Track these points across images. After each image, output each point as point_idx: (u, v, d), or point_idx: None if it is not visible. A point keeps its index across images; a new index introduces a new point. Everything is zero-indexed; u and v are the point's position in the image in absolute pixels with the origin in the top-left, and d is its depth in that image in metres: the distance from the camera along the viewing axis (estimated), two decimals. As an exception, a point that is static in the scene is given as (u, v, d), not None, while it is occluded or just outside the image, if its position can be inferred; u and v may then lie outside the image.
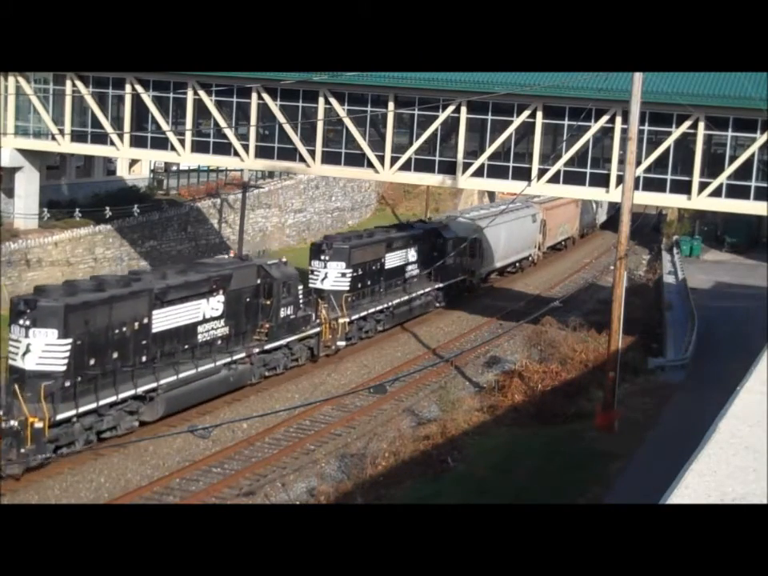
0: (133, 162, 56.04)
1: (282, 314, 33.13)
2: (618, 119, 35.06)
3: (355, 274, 38.03)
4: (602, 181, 36.31)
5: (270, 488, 25.12)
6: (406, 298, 42.17)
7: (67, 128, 41.65)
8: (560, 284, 56.29)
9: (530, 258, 60.76)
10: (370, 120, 38.54)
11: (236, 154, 39.73)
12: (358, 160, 38.77)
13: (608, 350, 28.36)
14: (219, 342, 30.58)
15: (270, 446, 28.22)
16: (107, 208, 47.66)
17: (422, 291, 43.81)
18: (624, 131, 31.31)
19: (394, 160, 38.21)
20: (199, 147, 40.19)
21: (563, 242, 70.04)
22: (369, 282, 39.35)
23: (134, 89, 40.10)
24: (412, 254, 43.37)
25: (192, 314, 29.31)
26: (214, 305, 30.33)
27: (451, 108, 37.00)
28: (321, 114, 38.49)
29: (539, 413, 29.55)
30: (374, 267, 39.73)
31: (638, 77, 26.74)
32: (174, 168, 61.36)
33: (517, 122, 36.68)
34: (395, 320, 41.46)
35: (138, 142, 41.26)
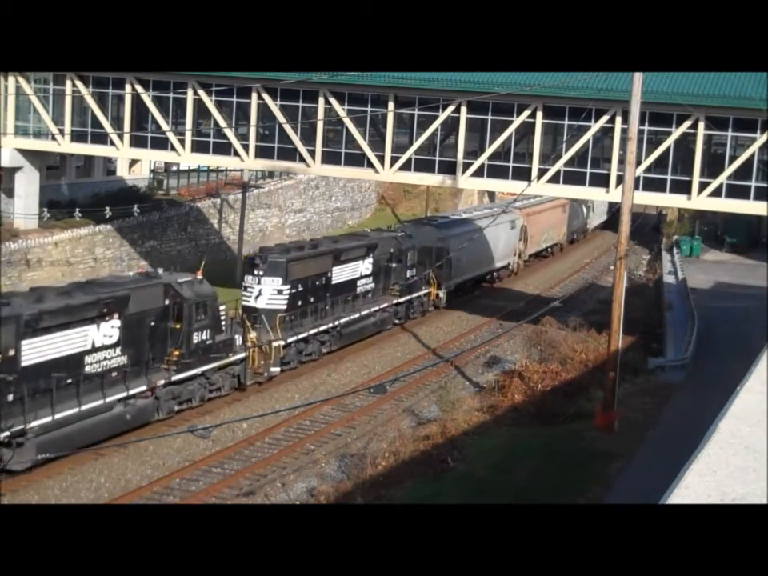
0: (133, 162, 56.06)
1: (196, 339, 28.51)
2: (618, 119, 35.06)
3: (294, 291, 33.91)
4: (601, 181, 36.31)
5: (270, 488, 25.12)
6: (357, 315, 37.97)
7: (67, 128, 41.66)
8: (560, 284, 56.29)
9: (510, 268, 56.58)
10: (370, 120, 38.54)
11: (236, 153, 39.74)
12: (358, 160, 38.77)
13: (608, 350, 28.37)
14: (114, 373, 26.33)
15: (269, 446, 28.22)
16: (107, 208, 47.67)
17: (376, 308, 39.58)
18: (624, 131, 31.31)
19: (393, 160, 38.21)
20: (199, 147, 40.19)
21: (549, 249, 65.88)
22: (311, 300, 35.08)
23: (134, 89, 40.10)
24: (366, 267, 38.98)
25: (76, 343, 25.13)
26: (107, 331, 26.11)
27: (451, 108, 37.00)
28: (321, 114, 38.49)
29: (539, 413, 29.55)
30: (317, 282, 35.47)
31: (638, 77, 26.74)
32: (174, 168, 61.37)
33: (517, 122, 36.68)
34: (344, 340, 37.49)
35: (137, 142, 41.27)
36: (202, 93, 39.17)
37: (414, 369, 35.33)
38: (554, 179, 36.82)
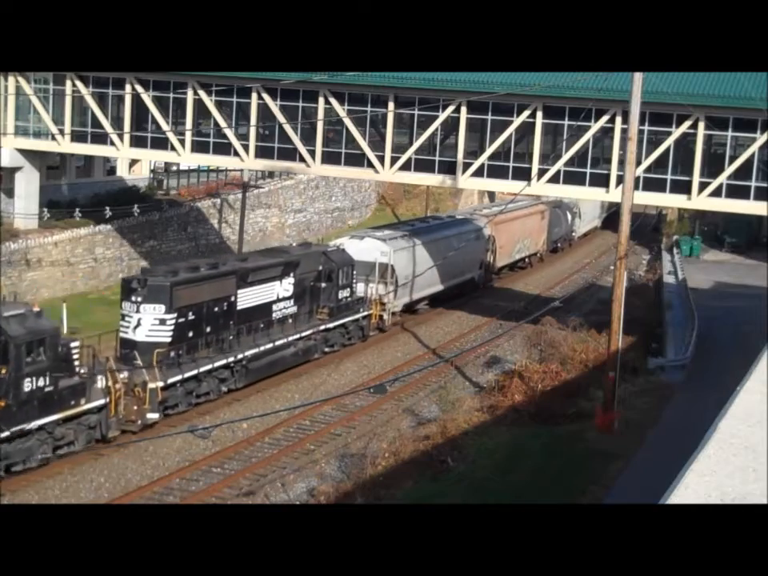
0: (133, 162, 56.05)
1: (28, 386, 23.83)
2: (618, 119, 35.06)
3: (182, 320, 28.85)
4: (601, 181, 36.31)
5: (270, 488, 25.12)
6: (271, 345, 32.79)
7: (67, 128, 41.65)
8: (560, 284, 56.29)
9: (476, 281, 51.41)
10: (369, 120, 38.54)
11: (236, 154, 39.73)
12: (358, 160, 38.77)
13: (608, 349, 28.36)
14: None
15: (269, 446, 28.22)
16: (107, 208, 47.67)
17: (297, 336, 34.49)
18: (624, 131, 31.31)
19: (393, 160, 38.21)
20: (199, 147, 40.19)
21: (526, 260, 60.90)
22: (208, 329, 30.03)
23: (134, 89, 40.10)
24: (285, 288, 33.95)
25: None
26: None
27: (451, 108, 37.00)
28: (321, 114, 38.49)
29: (539, 413, 29.55)
30: (216, 309, 30.37)
31: (638, 77, 26.74)
32: (174, 168, 61.37)
33: (517, 122, 36.68)
34: (253, 376, 32.18)
35: (138, 142, 41.27)
36: (201, 93, 39.17)
37: (413, 369, 35.33)
38: (554, 179, 36.82)
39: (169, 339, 28.45)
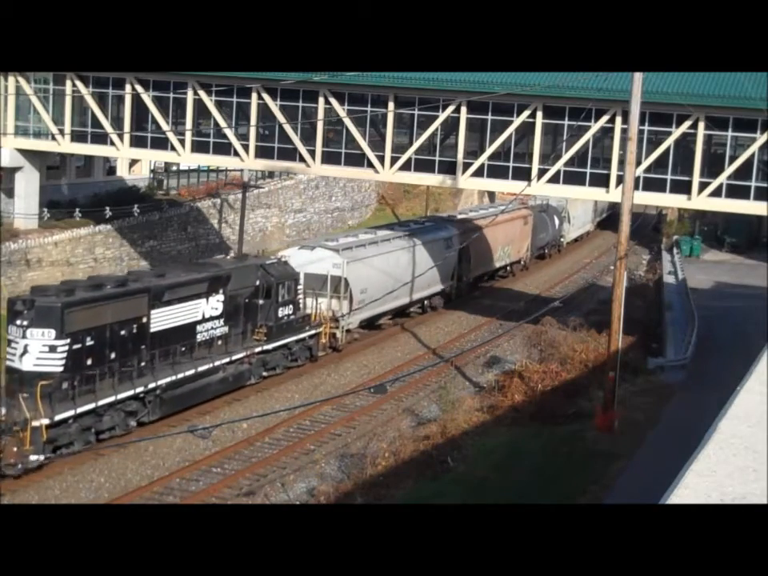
0: (133, 162, 56.06)
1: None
2: (618, 119, 35.05)
3: (78, 346, 25.31)
4: (602, 181, 36.30)
5: (270, 488, 25.13)
6: (192, 372, 29.28)
7: (67, 128, 41.66)
8: (560, 284, 56.29)
9: (447, 292, 47.57)
10: (369, 120, 38.53)
11: (236, 154, 39.73)
12: (358, 160, 38.76)
13: (608, 349, 28.36)
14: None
15: (269, 446, 28.23)
16: (107, 208, 47.67)
17: (226, 360, 30.96)
18: (624, 131, 31.31)
19: (393, 160, 38.21)
20: (199, 147, 40.19)
21: (507, 268, 57.42)
22: (112, 356, 26.40)
23: (134, 89, 40.10)
24: (213, 306, 30.38)
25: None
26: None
27: (451, 108, 37.00)
28: (321, 114, 38.49)
29: (539, 413, 29.55)
30: (123, 332, 26.79)
31: (638, 77, 26.74)
32: (174, 168, 61.36)
33: (517, 122, 36.68)
34: (171, 406, 28.74)
35: (138, 142, 41.27)
36: (202, 93, 39.17)
37: (414, 369, 35.33)
38: (554, 179, 36.82)
39: (60, 368, 24.91)
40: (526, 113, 36.40)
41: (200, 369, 29.63)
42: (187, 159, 42.57)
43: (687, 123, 34.73)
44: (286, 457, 27.42)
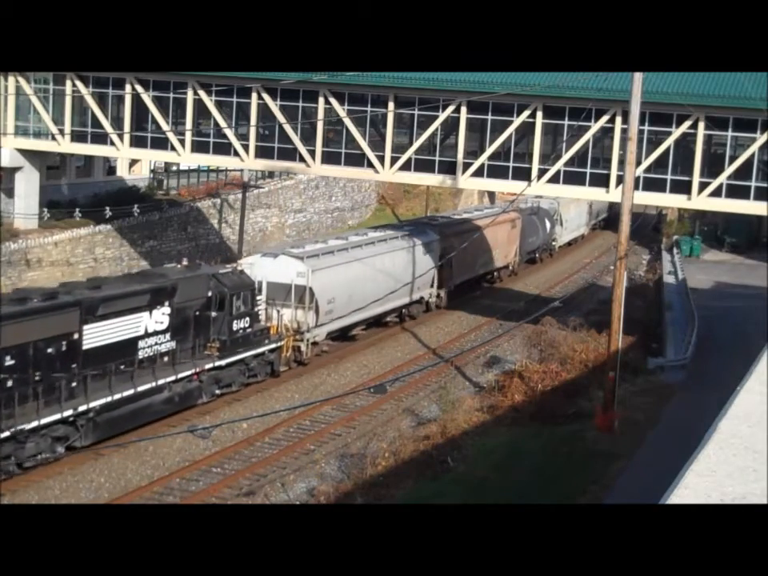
0: (133, 162, 56.06)
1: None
2: (618, 119, 35.06)
3: None
4: (602, 181, 36.31)
5: (270, 488, 25.13)
6: (131, 392, 26.87)
7: (67, 128, 41.66)
8: (560, 284, 56.30)
9: (428, 300, 45.44)
10: (369, 120, 38.53)
11: (236, 154, 39.73)
12: (358, 160, 38.77)
13: (608, 349, 28.37)
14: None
15: (269, 446, 28.23)
16: (107, 208, 47.67)
17: (171, 378, 28.50)
18: (624, 131, 31.31)
19: (393, 160, 38.21)
20: (199, 147, 40.19)
21: (494, 274, 55.07)
22: (37, 376, 24.13)
23: (134, 89, 40.11)
24: (158, 319, 28.07)
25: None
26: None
27: (451, 108, 37.00)
28: (321, 114, 38.49)
29: (539, 413, 29.56)
30: (50, 350, 24.54)
31: (638, 77, 26.74)
32: (174, 168, 61.36)
33: (517, 122, 36.68)
34: (107, 429, 26.46)
35: (138, 142, 41.27)
36: (202, 93, 39.17)
37: (414, 369, 35.33)
38: (554, 179, 36.82)
39: None
40: (526, 113, 36.41)
41: (140, 388, 27.18)
42: (187, 159, 42.57)
43: (687, 123, 34.73)
44: (286, 457, 27.42)
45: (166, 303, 28.37)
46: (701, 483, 5.26)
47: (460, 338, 41.70)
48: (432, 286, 45.35)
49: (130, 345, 27.12)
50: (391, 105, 37.73)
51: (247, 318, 31.62)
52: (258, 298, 32.77)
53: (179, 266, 31.50)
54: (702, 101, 33.68)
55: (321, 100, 38.14)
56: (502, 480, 23.85)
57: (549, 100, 35.75)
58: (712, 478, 5.35)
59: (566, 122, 35.92)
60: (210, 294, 30.14)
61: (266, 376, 33.33)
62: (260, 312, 32.82)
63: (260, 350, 32.54)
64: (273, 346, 33.15)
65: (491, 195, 74.87)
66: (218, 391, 30.94)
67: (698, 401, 26.79)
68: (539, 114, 36.32)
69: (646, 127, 34.53)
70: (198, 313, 29.74)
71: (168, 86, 39.50)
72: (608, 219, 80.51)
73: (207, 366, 29.98)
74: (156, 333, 28.03)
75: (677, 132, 35.02)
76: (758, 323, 33.40)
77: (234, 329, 30.94)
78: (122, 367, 26.77)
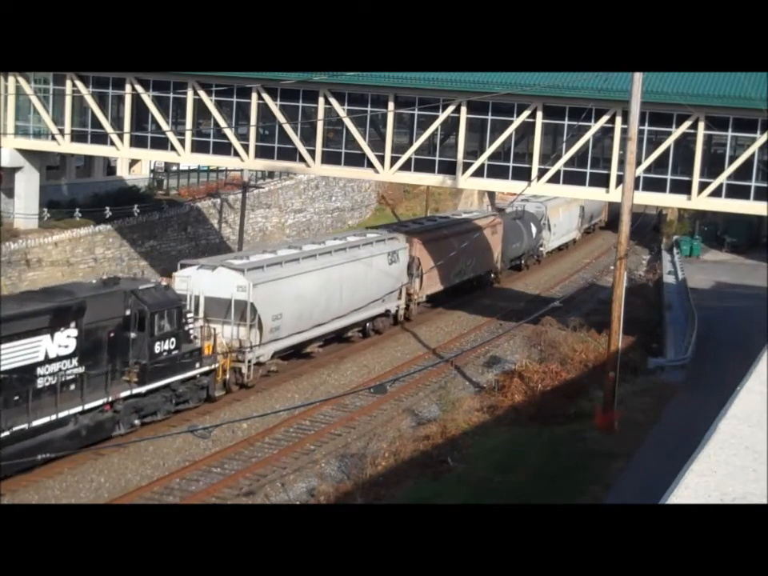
0: (133, 162, 56.06)
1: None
2: (618, 119, 35.06)
3: None
4: (602, 181, 36.31)
5: (270, 488, 25.13)
6: (24, 427, 23.37)
7: (67, 128, 41.66)
8: (560, 284, 56.30)
9: (394, 314, 42.03)
10: (370, 120, 38.54)
11: (236, 154, 39.73)
12: (358, 160, 38.76)
13: (608, 349, 28.36)
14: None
15: (269, 446, 28.23)
16: (107, 208, 47.67)
17: (77, 409, 25.06)
18: (624, 131, 31.30)
19: (393, 160, 38.21)
20: (199, 147, 40.19)
21: (474, 282, 51.15)
22: None
23: (134, 89, 40.11)
24: (61, 342, 24.66)
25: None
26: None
27: (451, 108, 37.00)
28: (321, 114, 38.49)
29: (539, 413, 29.55)
30: None
31: (638, 77, 26.74)
32: (174, 168, 61.37)
33: (517, 122, 36.68)
34: None
35: (138, 142, 41.27)
36: (202, 93, 39.17)
37: (414, 369, 35.32)
38: (554, 179, 36.83)
39: None
40: (526, 113, 36.41)
41: (35, 423, 23.61)
42: (187, 159, 42.57)
43: (687, 123, 34.73)
44: (286, 457, 27.42)
45: (72, 324, 24.94)
46: (701, 483, 5.26)
47: (460, 338, 41.70)
48: (399, 297, 41.85)
49: (27, 372, 23.68)
50: (391, 105, 37.73)
51: (173, 339, 28.16)
52: (189, 315, 29.49)
53: (94, 281, 28.53)
54: (702, 101, 33.68)
55: (321, 100, 38.14)
56: (502, 480, 23.84)
57: (549, 100, 35.75)
58: (712, 477, 5.35)
59: (566, 122, 35.92)
60: (127, 312, 26.78)
61: (200, 402, 30.10)
62: (192, 331, 29.37)
63: (189, 374, 28.99)
64: (205, 369, 29.65)
65: (491, 195, 74.85)
66: (137, 421, 27.50)
67: (698, 401, 26.79)
68: (539, 114, 36.32)
69: (646, 127, 34.53)
70: (112, 334, 26.32)
71: (168, 86, 39.50)
72: (606, 222, 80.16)
73: (123, 395, 26.59)
74: (60, 358, 24.62)
75: (677, 132, 35.02)
76: (758, 323, 33.41)
77: (157, 351, 27.57)
78: (17, 399, 23.39)
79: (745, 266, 58.14)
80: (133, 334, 26.94)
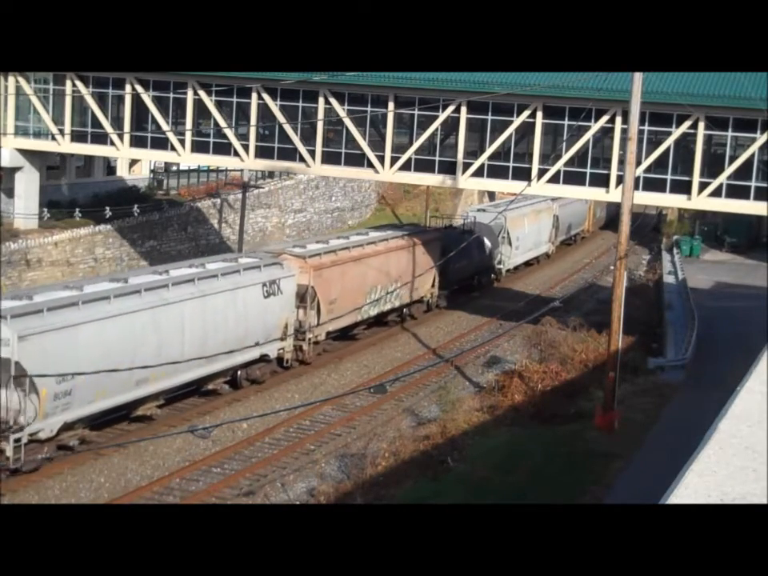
0: (133, 162, 56.05)
1: None
2: (618, 119, 35.06)
3: None
4: (602, 181, 36.32)
5: (270, 488, 25.13)
6: None
7: (67, 128, 41.66)
8: (560, 284, 56.28)
9: (281, 354, 33.55)
10: (369, 120, 38.54)
11: (236, 154, 39.74)
12: (358, 160, 38.77)
13: (608, 349, 28.36)
14: None
15: (269, 446, 28.23)
16: (107, 208, 47.67)
17: None
18: (624, 131, 31.30)
19: (394, 160, 38.21)
20: (199, 147, 40.20)
21: (404, 310, 43.06)
22: None
23: (134, 89, 40.11)
24: None
25: None
26: None
27: (451, 108, 37.00)
28: (321, 114, 38.49)
29: (539, 413, 29.56)
30: None
31: (638, 77, 26.74)
32: (174, 168, 61.36)
33: (517, 122, 36.69)
34: None
35: (138, 142, 41.27)
36: (202, 93, 39.17)
37: (414, 369, 35.33)
38: (554, 179, 36.84)
39: None
40: (526, 113, 36.41)
41: None
42: (187, 159, 42.57)
43: (687, 123, 34.74)
44: (286, 457, 27.42)
45: None
46: (701, 483, 5.26)
47: (460, 338, 41.69)
48: (284, 338, 33.43)
49: None
50: (391, 105, 37.73)
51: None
52: None
53: None
54: (702, 101, 33.68)
55: (321, 100, 38.14)
56: (502, 480, 23.84)
57: (549, 100, 35.76)
58: (712, 477, 5.35)
59: (566, 122, 35.93)
60: None
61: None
62: None
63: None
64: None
65: (491, 195, 74.88)
66: None
67: (698, 401, 26.79)
68: (539, 114, 36.33)
69: (646, 127, 34.54)
70: None
71: (168, 86, 39.50)
72: (609, 224, 79.66)
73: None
74: None
75: (677, 132, 35.02)
76: (758, 323, 33.40)
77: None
78: None
79: (745, 266, 58.14)
80: None
